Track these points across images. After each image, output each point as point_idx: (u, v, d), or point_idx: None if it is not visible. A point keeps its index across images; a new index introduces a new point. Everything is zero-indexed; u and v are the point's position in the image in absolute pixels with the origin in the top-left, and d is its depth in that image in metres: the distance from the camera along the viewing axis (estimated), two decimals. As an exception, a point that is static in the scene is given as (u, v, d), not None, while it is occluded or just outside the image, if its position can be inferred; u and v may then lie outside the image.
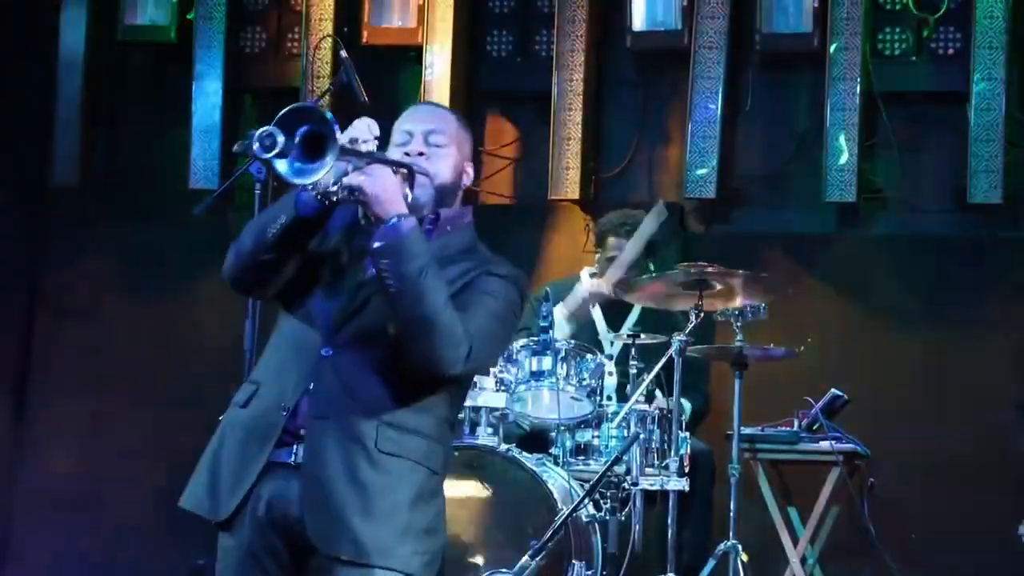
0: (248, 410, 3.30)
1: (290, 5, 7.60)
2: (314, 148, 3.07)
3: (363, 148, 3.18)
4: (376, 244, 3.15)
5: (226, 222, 6.32)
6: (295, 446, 3.22)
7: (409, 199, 3.24)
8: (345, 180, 3.12)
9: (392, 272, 3.13)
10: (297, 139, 3.07)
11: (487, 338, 3.27)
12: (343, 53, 5.44)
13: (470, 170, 3.44)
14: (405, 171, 3.27)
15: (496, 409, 5.60)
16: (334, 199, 3.17)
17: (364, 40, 7.36)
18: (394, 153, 3.34)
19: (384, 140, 3.37)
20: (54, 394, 7.58)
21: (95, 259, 7.67)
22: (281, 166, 3.09)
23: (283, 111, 3.09)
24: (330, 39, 7.15)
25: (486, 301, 3.29)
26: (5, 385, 7.63)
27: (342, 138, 3.13)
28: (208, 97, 7.45)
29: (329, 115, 3.10)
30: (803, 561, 6.16)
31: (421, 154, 3.33)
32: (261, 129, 3.06)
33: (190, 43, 7.49)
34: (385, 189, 3.15)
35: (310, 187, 3.12)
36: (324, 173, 3.07)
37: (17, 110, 7.62)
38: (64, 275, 7.70)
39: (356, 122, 3.24)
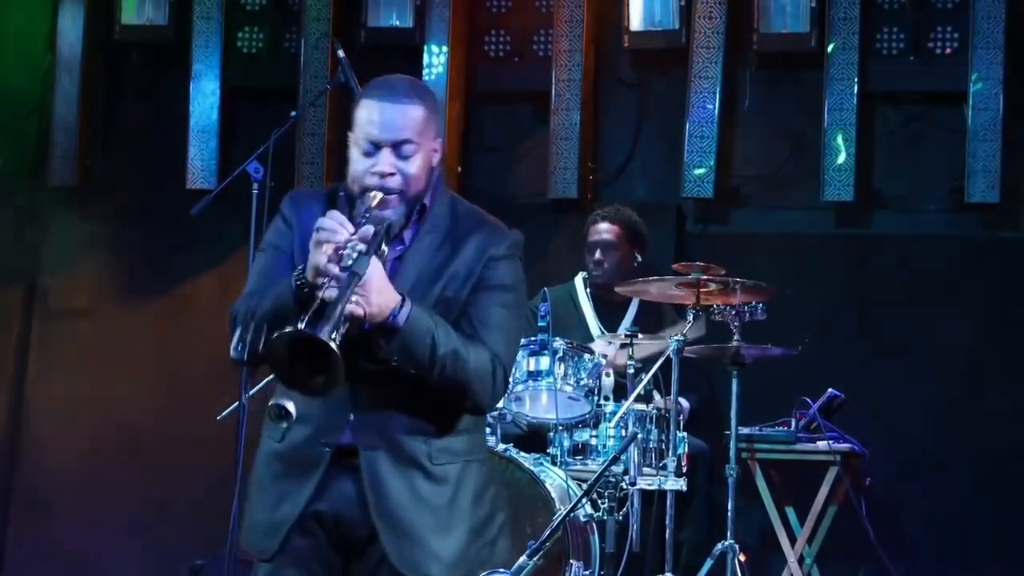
0: (284, 446, 3.28)
1: (288, 5, 7.60)
2: (310, 354, 3.00)
3: (344, 253, 3.07)
4: (384, 347, 3.13)
5: (224, 222, 6.31)
6: (351, 459, 3.23)
7: (386, 253, 3.19)
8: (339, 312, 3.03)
9: (406, 360, 3.14)
10: (294, 365, 3.01)
11: (511, 341, 3.32)
12: (341, 53, 5.44)
13: (439, 146, 3.34)
14: (384, 228, 3.20)
15: (494, 409, 5.61)
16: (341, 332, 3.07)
17: (362, 40, 7.36)
18: (359, 161, 3.25)
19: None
20: (52, 393, 7.57)
21: (93, 259, 7.67)
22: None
23: (263, 352, 3.06)
24: (328, 39, 7.15)
25: (500, 297, 3.29)
26: (3, 384, 7.63)
27: (318, 256, 3.06)
28: (206, 97, 7.45)
29: (309, 332, 2.99)
30: (800, 560, 6.17)
31: (391, 173, 3.24)
32: (270, 406, 3.03)
33: (188, 43, 7.49)
34: (377, 303, 3.09)
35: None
36: (333, 346, 2.99)
37: (15, 109, 7.62)
38: (62, 275, 7.70)
39: (323, 225, 3.10)
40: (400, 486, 3.21)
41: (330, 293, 3.04)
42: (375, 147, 3.25)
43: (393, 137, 3.25)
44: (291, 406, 3.03)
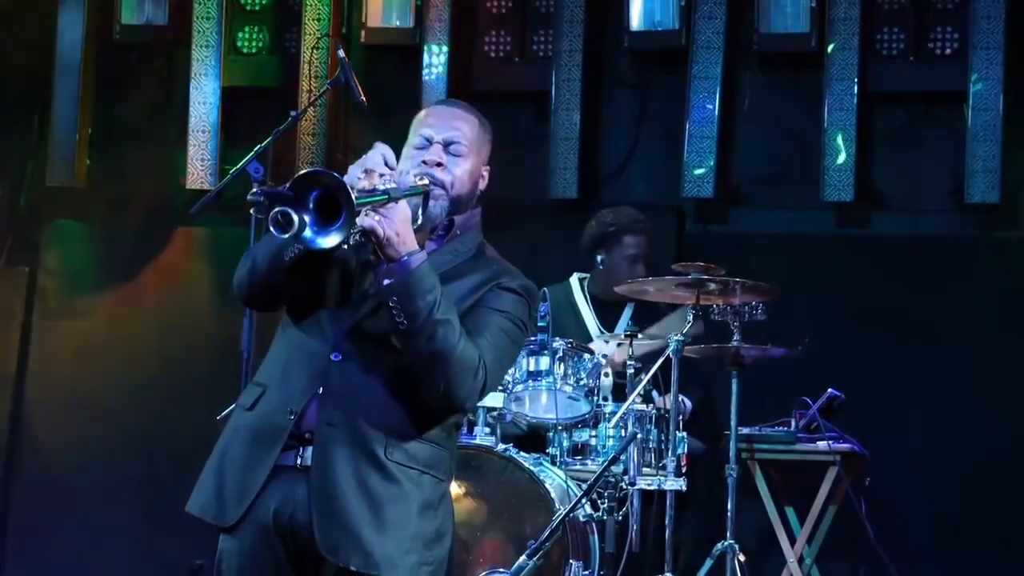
0: (254, 413, 3.28)
1: (288, 5, 7.59)
2: (329, 208, 3.02)
3: (377, 180, 3.13)
4: (385, 282, 3.13)
5: (223, 222, 6.32)
6: (300, 449, 3.21)
7: (420, 220, 3.22)
8: (358, 221, 3.05)
9: (403, 309, 3.11)
10: (311, 204, 3.02)
11: (500, 361, 3.28)
12: (341, 53, 5.43)
13: (486, 174, 3.43)
14: (421, 198, 3.24)
15: (493, 409, 5.61)
16: (349, 242, 3.12)
17: (362, 40, 7.36)
18: (411, 156, 3.33)
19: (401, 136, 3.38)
20: (52, 393, 7.57)
21: (93, 259, 7.67)
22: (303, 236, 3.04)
23: (291, 182, 3.03)
24: (328, 39, 7.15)
25: (498, 320, 3.28)
26: (3, 384, 7.63)
27: (355, 171, 3.12)
28: (206, 97, 7.45)
29: (338, 176, 3.05)
30: (800, 560, 6.16)
31: (439, 164, 3.31)
32: (275, 210, 2.99)
33: (188, 43, 7.49)
34: (397, 231, 3.11)
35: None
36: (345, 235, 3.02)
37: (14, 109, 7.62)
38: (62, 275, 7.69)
39: (372, 151, 3.19)
40: (346, 471, 3.17)
41: (358, 194, 3.05)
42: (428, 141, 3.34)
43: (445, 135, 3.35)
44: (295, 216, 2.98)
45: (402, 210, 3.13)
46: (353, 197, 3.01)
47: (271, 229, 3.01)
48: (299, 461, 3.20)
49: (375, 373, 3.21)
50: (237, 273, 3.31)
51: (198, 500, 3.31)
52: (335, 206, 3.01)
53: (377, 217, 3.09)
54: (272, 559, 3.22)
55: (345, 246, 3.09)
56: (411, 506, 3.20)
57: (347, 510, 3.16)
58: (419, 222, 3.22)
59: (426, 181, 3.27)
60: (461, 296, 3.26)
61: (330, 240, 3.02)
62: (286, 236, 3.00)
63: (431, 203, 3.28)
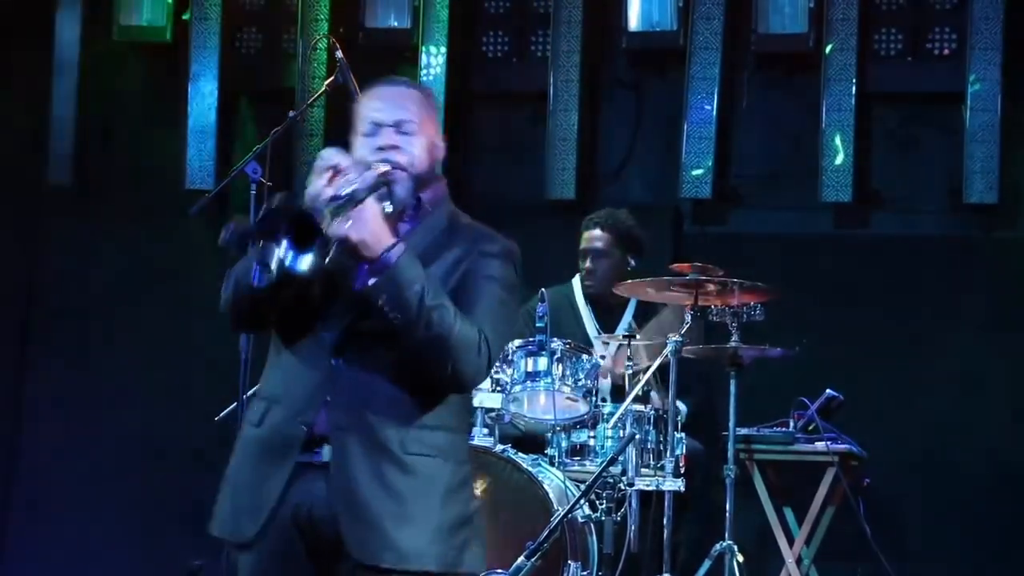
0: (263, 427, 3.27)
1: (286, 6, 7.59)
2: (302, 231, 3.05)
3: (340, 182, 3.12)
4: (371, 281, 3.13)
5: (222, 223, 6.30)
6: (317, 448, 3.21)
7: (389, 209, 3.22)
8: (330, 232, 3.07)
9: (393, 304, 3.11)
10: (283, 235, 3.04)
11: (498, 329, 3.28)
12: (339, 54, 5.43)
13: (441, 142, 3.41)
14: (386, 187, 3.24)
15: (492, 409, 5.60)
16: (328, 257, 3.12)
17: (360, 41, 7.36)
18: (363, 145, 3.31)
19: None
20: (50, 394, 7.57)
21: (90, 259, 7.67)
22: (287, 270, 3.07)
23: (257, 222, 3.07)
24: (326, 40, 7.15)
25: (490, 288, 3.28)
26: (1, 385, 7.62)
27: (317, 182, 3.12)
28: (204, 98, 7.45)
29: (301, 205, 3.07)
30: (798, 561, 6.17)
31: (395, 147, 3.29)
32: (254, 264, 3.03)
33: (186, 43, 7.49)
34: (371, 231, 3.11)
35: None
36: (322, 257, 3.04)
37: (12, 110, 7.62)
38: (59, 275, 7.69)
39: (321, 157, 3.18)
40: (366, 471, 3.17)
41: (325, 205, 3.06)
42: (377, 127, 3.32)
43: (394, 116, 3.32)
44: (272, 261, 3.01)
45: (371, 208, 3.13)
46: (320, 223, 3.02)
47: (258, 277, 3.03)
48: (319, 458, 3.21)
49: (378, 371, 3.21)
50: (223, 296, 3.31)
51: (217, 520, 3.31)
52: (307, 229, 3.04)
53: (348, 223, 3.09)
54: (293, 557, 3.22)
55: (325, 260, 3.09)
56: (435, 497, 3.21)
57: (371, 509, 3.16)
58: (389, 210, 3.22)
59: (387, 167, 3.26)
60: (446, 272, 3.26)
61: (308, 262, 3.05)
62: (273, 274, 3.03)
63: (396, 188, 3.26)
